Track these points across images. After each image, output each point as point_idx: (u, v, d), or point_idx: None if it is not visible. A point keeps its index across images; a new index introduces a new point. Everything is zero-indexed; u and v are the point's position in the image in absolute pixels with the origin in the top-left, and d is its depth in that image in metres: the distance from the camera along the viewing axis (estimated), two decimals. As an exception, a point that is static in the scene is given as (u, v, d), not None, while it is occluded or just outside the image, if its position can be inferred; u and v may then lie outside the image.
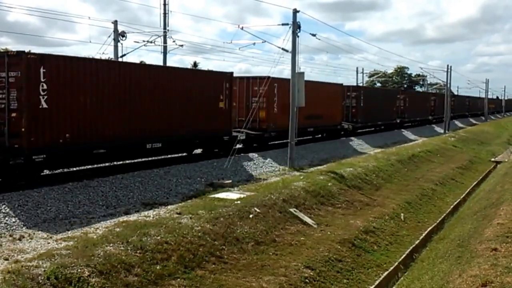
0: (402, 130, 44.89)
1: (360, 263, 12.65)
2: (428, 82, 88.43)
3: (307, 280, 10.76)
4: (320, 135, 32.19)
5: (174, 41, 30.63)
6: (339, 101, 33.09)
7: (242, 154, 22.34)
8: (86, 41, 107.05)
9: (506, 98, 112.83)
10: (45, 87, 14.02)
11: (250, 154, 22.72)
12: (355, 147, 32.05)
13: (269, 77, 23.89)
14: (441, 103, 56.14)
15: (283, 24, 22.06)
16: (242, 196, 15.12)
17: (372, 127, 40.19)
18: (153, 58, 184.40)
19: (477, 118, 78.67)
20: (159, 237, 10.62)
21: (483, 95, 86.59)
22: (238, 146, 22.45)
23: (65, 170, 16.63)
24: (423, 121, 52.95)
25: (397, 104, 44.76)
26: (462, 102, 74.93)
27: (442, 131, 50.57)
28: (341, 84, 34.89)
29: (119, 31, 27.33)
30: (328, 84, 32.08)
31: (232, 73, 22.36)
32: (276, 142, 25.54)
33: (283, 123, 23.67)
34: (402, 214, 17.39)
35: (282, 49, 22.00)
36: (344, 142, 32.73)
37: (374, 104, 37.69)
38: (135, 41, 31.42)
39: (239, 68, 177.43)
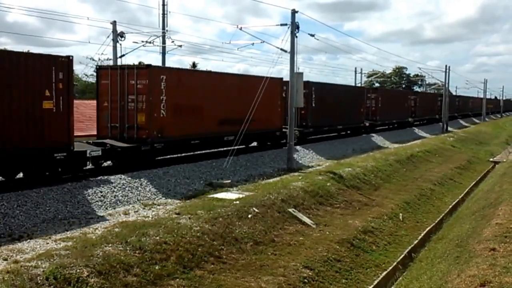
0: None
1: (358, 263, 12.67)
2: (427, 82, 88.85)
3: (306, 280, 10.77)
4: (256, 144, 24.99)
5: (173, 42, 30.83)
6: (277, 101, 25.45)
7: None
8: (85, 41, 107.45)
9: (504, 98, 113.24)
10: None
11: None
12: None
13: (149, 65, 17.98)
14: (424, 103, 53.17)
15: (281, 25, 22.13)
16: (241, 196, 15.13)
17: (329, 132, 33.37)
18: (152, 58, 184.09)
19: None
20: (158, 237, 10.63)
21: (481, 95, 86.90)
22: (101, 164, 17.14)
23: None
24: (402, 123, 46.96)
25: (367, 104, 39.28)
26: (452, 102, 67.77)
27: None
28: (281, 79, 26.15)
29: (118, 31, 27.42)
30: (260, 78, 22.18)
31: (69, 57, 14.86)
32: (167, 156, 19.66)
33: (176, 131, 18.42)
34: (400, 214, 17.41)
35: (281, 49, 22.06)
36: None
37: (333, 104, 31.47)
38: (134, 42, 31.68)
39: (237, 68, 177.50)
